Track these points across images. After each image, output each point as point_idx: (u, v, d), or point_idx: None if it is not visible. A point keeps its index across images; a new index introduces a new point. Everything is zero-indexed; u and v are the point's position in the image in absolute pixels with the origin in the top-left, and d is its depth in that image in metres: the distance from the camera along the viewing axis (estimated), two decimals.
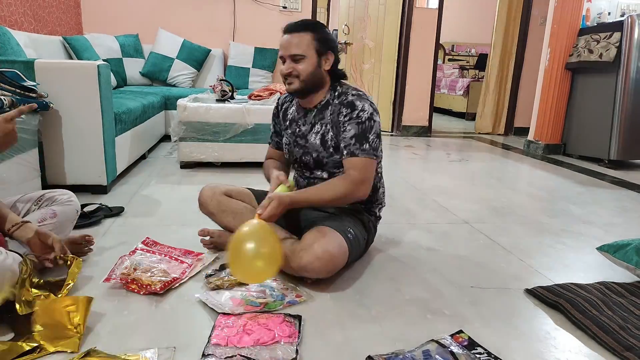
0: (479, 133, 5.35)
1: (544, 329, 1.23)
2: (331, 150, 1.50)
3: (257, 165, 2.88)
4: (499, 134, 5.31)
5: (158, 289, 1.29)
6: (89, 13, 4.19)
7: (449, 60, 8.31)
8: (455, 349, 1.08)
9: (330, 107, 1.52)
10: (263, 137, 2.85)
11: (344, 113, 1.46)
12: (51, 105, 1.99)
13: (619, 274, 1.59)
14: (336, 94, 1.52)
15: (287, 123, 1.65)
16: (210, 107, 2.82)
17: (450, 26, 7.04)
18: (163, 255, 1.51)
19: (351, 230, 1.46)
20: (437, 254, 1.73)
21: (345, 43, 5.12)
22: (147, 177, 2.66)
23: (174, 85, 4.14)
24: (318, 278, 1.38)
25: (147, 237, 1.64)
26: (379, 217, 1.67)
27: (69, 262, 1.29)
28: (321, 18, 6.01)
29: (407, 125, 4.92)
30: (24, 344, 1.01)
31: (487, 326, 1.23)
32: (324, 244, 1.35)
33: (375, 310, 1.28)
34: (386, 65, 4.89)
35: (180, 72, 4.14)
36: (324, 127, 1.52)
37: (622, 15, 3.77)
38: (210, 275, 1.40)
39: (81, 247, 1.51)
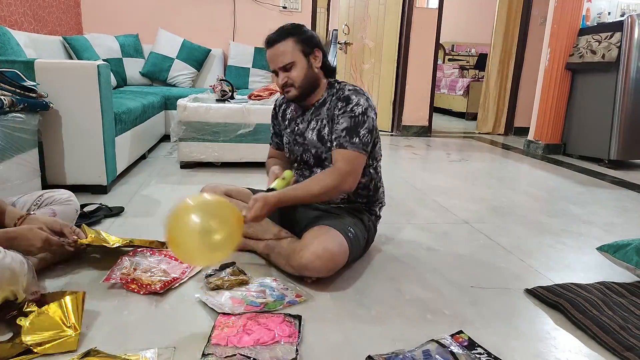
0: (480, 133, 5.35)
1: (544, 329, 1.23)
2: (329, 145, 1.51)
3: (257, 165, 2.88)
4: (499, 134, 5.31)
5: (158, 289, 1.29)
6: (89, 13, 4.19)
7: (449, 60, 8.31)
8: (455, 349, 1.08)
9: (327, 104, 1.53)
10: (263, 137, 2.85)
11: (339, 107, 1.47)
12: (51, 105, 1.99)
13: (619, 274, 1.59)
14: (333, 90, 1.53)
15: (286, 122, 1.66)
16: (210, 107, 2.82)
17: (450, 26, 7.04)
18: (163, 256, 1.51)
19: (351, 229, 1.46)
20: (437, 254, 1.73)
21: (345, 43, 5.13)
22: (147, 177, 2.66)
23: (174, 85, 4.14)
24: (318, 277, 1.38)
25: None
26: (379, 217, 1.68)
27: (85, 245, 1.36)
28: (321, 18, 6.02)
29: (407, 125, 4.92)
30: (22, 344, 1.01)
31: (487, 326, 1.23)
32: (325, 242, 1.35)
33: (375, 310, 1.28)
34: (386, 65, 4.89)
35: (180, 72, 4.14)
36: (319, 123, 1.53)
37: (622, 15, 3.77)
38: (210, 275, 1.40)
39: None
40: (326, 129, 1.51)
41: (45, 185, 2.08)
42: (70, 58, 3.32)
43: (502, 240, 1.90)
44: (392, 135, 4.90)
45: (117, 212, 1.98)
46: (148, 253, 1.51)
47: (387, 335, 1.16)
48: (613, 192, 2.84)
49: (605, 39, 3.57)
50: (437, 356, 1.05)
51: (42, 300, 1.15)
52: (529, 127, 4.32)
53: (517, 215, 2.28)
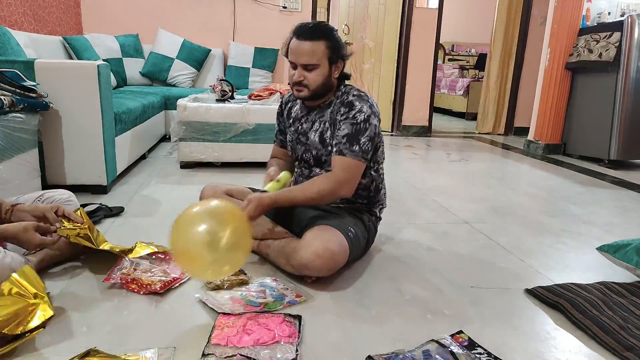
0: (480, 133, 5.35)
1: (544, 329, 1.23)
2: (329, 148, 1.51)
3: (257, 165, 2.88)
4: (499, 134, 5.31)
5: (158, 289, 1.29)
6: (89, 13, 4.19)
7: (449, 60, 8.31)
8: (455, 349, 1.08)
9: (331, 107, 1.53)
10: (263, 137, 2.85)
11: (342, 112, 1.47)
12: (51, 105, 1.99)
13: (619, 274, 1.59)
14: (339, 93, 1.53)
15: (291, 121, 1.66)
16: (210, 107, 2.82)
17: (450, 26, 7.03)
18: (163, 255, 1.51)
19: (352, 229, 1.46)
20: (437, 254, 1.73)
21: (345, 43, 5.12)
22: (147, 177, 2.66)
23: (174, 85, 4.14)
24: (318, 277, 1.38)
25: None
26: (380, 218, 1.68)
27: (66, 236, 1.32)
28: (321, 18, 6.01)
29: (407, 125, 4.92)
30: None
31: (487, 326, 1.23)
32: (325, 241, 1.35)
33: (375, 310, 1.28)
34: (386, 65, 4.89)
35: (180, 72, 4.14)
36: (322, 126, 1.53)
37: (622, 15, 3.77)
38: None
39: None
40: (328, 132, 1.51)
41: (45, 185, 2.08)
42: (70, 58, 3.32)
43: (502, 240, 1.90)
44: (392, 135, 4.90)
45: (117, 212, 1.98)
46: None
47: (387, 335, 1.16)
48: (613, 192, 2.84)
49: (603, 38, 3.57)
50: (437, 356, 1.05)
51: None
52: (529, 127, 4.32)
53: (517, 215, 2.28)
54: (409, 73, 4.79)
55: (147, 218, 1.98)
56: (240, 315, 1.18)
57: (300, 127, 1.61)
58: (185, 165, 2.90)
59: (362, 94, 1.50)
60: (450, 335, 1.14)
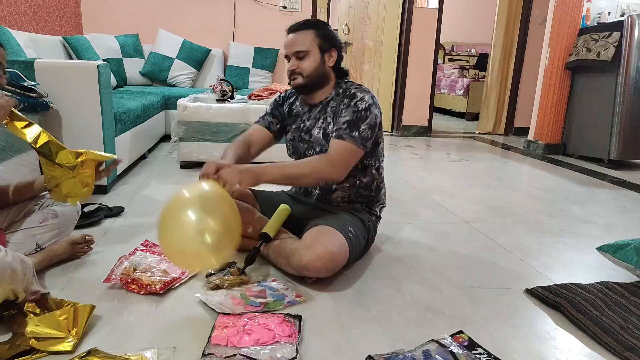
0: (480, 133, 5.35)
1: (544, 329, 1.23)
2: None
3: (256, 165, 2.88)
4: (499, 134, 5.31)
5: (158, 289, 1.29)
6: (89, 13, 4.19)
7: (449, 60, 8.31)
8: (455, 349, 1.08)
9: (333, 102, 1.54)
10: None
11: (345, 102, 1.49)
12: (51, 105, 1.99)
13: (619, 274, 1.59)
14: (340, 90, 1.54)
15: (292, 118, 1.66)
16: (210, 107, 2.82)
17: (450, 26, 7.03)
18: (163, 256, 1.50)
19: (352, 229, 1.46)
20: (438, 254, 1.73)
21: (345, 43, 5.12)
22: (147, 177, 2.66)
23: (174, 85, 4.14)
24: (319, 277, 1.38)
25: (146, 240, 1.64)
26: (379, 218, 1.68)
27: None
28: (321, 18, 6.01)
29: (407, 125, 4.92)
30: (20, 344, 1.01)
31: (487, 326, 1.23)
32: (325, 242, 1.35)
33: (375, 310, 1.28)
34: (386, 65, 4.88)
35: (180, 72, 4.14)
36: (325, 122, 1.53)
37: (622, 15, 3.77)
38: (210, 274, 1.40)
39: (82, 248, 1.52)
40: (330, 126, 1.52)
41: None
42: (70, 58, 3.32)
43: (502, 240, 1.90)
44: (392, 135, 4.90)
45: (117, 212, 1.98)
46: (148, 253, 1.51)
47: (387, 335, 1.16)
48: (613, 192, 2.84)
49: (602, 37, 3.57)
50: (437, 356, 1.05)
51: (42, 301, 1.15)
52: (529, 127, 4.32)
53: (517, 215, 2.28)
54: (409, 73, 4.79)
55: (147, 218, 1.97)
56: (240, 315, 1.18)
57: (302, 124, 1.61)
58: (185, 165, 2.90)
59: (364, 87, 1.53)
60: (450, 335, 1.14)
